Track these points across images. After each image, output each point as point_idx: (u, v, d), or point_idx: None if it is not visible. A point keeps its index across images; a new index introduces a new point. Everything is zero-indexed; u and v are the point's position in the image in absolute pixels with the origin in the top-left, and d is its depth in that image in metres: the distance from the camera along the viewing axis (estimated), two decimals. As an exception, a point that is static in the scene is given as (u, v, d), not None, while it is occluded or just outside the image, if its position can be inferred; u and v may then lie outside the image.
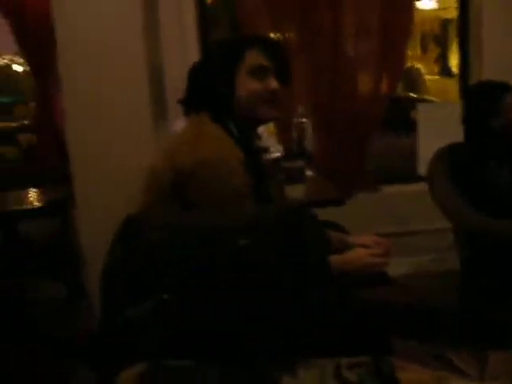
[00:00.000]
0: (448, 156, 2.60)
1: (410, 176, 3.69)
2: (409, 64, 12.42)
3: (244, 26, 3.46)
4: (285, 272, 1.29)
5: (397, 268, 3.53)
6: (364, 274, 1.76)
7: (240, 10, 3.47)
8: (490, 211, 2.34)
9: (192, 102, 1.74)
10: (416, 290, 3.28)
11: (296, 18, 3.45)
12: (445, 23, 11.10)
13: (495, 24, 3.56)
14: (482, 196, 2.40)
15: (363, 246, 1.83)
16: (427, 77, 11.62)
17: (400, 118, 6.25)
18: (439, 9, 10.58)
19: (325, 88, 3.45)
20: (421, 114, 3.60)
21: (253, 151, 1.75)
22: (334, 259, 1.62)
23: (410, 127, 4.27)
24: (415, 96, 8.94)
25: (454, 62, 9.69)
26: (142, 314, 1.25)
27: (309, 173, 2.58)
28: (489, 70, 3.44)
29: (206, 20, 3.67)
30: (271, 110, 1.70)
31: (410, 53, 12.66)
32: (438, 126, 3.36)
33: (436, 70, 12.22)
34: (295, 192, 2.20)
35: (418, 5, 11.13)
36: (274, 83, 1.68)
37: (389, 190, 3.72)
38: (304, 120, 2.66)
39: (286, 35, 3.47)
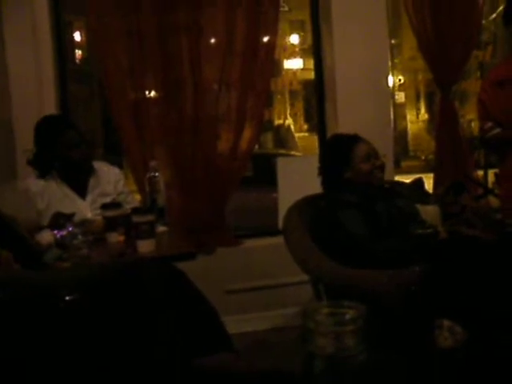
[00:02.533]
0: (303, 208, 2.67)
1: (274, 230, 3.75)
2: (279, 121, 12.91)
3: (107, 81, 3.45)
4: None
5: (261, 323, 3.58)
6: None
7: (102, 66, 3.46)
8: (348, 261, 2.38)
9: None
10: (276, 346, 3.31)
11: (158, 74, 3.47)
12: (309, 83, 11.69)
13: (348, 84, 3.79)
14: (338, 246, 2.45)
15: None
16: (297, 134, 12.10)
17: (269, 173, 6.41)
18: (304, 69, 11.12)
19: (182, 144, 3.47)
20: (280, 168, 3.69)
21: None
22: None
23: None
24: (284, 152, 9.26)
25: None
26: None
27: (162, 228, 2.54)
28: (343, 126, 3.62)
29: (65, 74, 3.62)
30: None
31: (280, 110, 13.19)
32: (298, 180, 3.45)
33: (305, 127, 12.77)
34: (145, 247, 2.15)
35: (286, 64, 11.64)
36: None
37: (251, 243, 3.76)
38: (157, 174, 2.63)
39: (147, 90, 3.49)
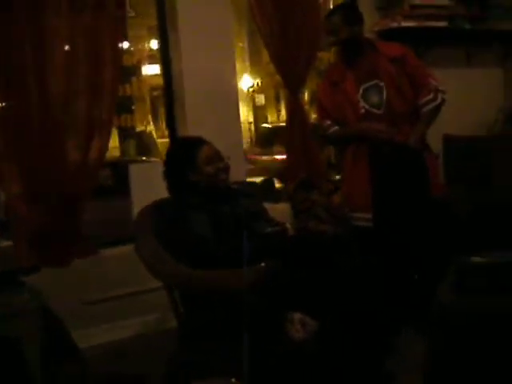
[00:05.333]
0: (152, 213, 2.69)
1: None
2: (141, 128, 12.79)
3: None
4: None
5: (122, 331, 3.56)
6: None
7: None
8: (197, 263, 2.42)
9: None
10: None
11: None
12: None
13: (196, 89, 3.87)
14: (185, 249, 2.49)
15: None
16: (160, 140, 12.03)
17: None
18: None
19: (29, 155, 3.36)
20: (132, 174, 3.68)
21: None
22: None
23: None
24: (145, 159, 9.21)
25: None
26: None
27: (6, 242, 2.47)
28: (193, 131, 3.68)
29: None
30: None
31: (141, 117, 13.04)
32: (151, 186, 3.45)
33: (167, 133, 12.71)
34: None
35: (145, 70, 11.57)
36: None
37: (109, 253, 3.73)
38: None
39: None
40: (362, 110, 3.34)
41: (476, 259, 2.83)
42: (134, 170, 3.75)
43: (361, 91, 3.34)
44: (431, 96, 3.33)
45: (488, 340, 2.43)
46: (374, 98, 3.33)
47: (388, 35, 4.43)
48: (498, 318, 2.43)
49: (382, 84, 3.31)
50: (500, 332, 2.40)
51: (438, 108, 3.36)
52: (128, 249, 3.64)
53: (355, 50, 3.36)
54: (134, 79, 7.73)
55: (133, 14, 8.11)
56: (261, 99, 14.41)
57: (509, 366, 2.34)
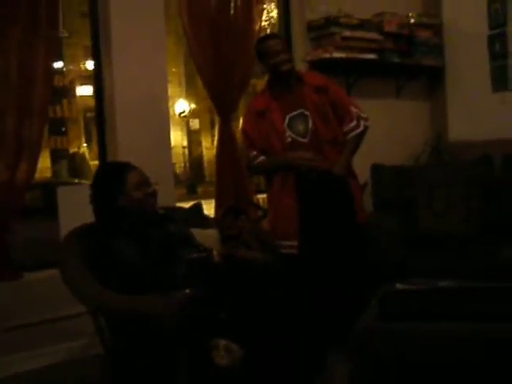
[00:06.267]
0: (78, 237, 2.66)
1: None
2: (74, 149, 12.58)
3: None
4: None
5: (48, 358, 3.46)
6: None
7: None
8: (123, 289, 2.40)
9: None
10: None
11: None
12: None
13: (128, 111, 3.87)
14: (112, 274, 2.47)
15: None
16: (92, 162, 11.85)
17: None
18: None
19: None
20: (60, 197, 3.62)
21: None
22: None
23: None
24: (77, 181, 9.06)
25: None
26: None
27: None
28: (123, 153, 3.68)
29: None
30: None
31: (74, 138, 12.86)
32: (80, 209, 3.40)
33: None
34: None
35: (79, 91, 11.41)
36: None
37: (34, 276, 3.63)
38: None
39: None
40: (289, 139, 3.41)
41: (400, 286, 2.93)
42: (63, 193, 3.69)
43: (287, 120, 3.41)
44: (354, 123, 3.45)
45: (411, 364, 2.51)
46: (300, 127, 3.40)
47: (319, 65, 4.54)
48: (421, 342, 2.51)
49: (307, 113, 3.40)
50: (424, 356, 2.48)
51: (361, 135, 3.49)
52: (54, 272, 3.62)
53: (286, 77, 3.42)
54: (64, 101, 7.62)
55: (66, 35, 8.03)
56: (195, 124, 14.43)
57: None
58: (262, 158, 3.49)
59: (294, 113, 3.41)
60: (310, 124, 3.38)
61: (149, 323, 2.31)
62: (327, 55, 4.54)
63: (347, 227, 3.36)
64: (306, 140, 3.39)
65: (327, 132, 3.42)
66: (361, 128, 3.46)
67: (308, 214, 3.36)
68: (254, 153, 3.50)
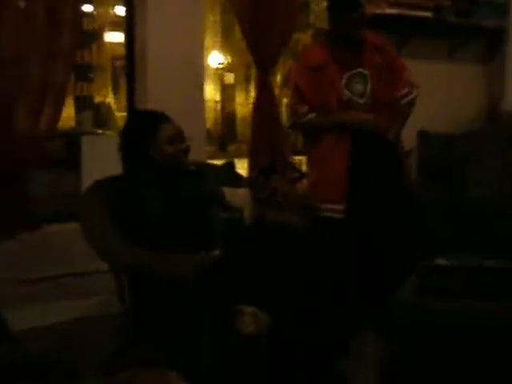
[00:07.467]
0: (104, 188, 2.63)
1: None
2: (100, 99, 12.60)
3: None
4: None
5: (61, 313, 3.51)
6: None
7: None
8: (146, 244, 2.39)
9: None
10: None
11: None
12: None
13: (160, 61, 3.83)
14: (137, 228, 2.45)
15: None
16: (119, 113, 11.85)
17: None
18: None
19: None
20: (85, 146, 3.62)
21: None
22: None
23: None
24: (101, 132, 9.05)
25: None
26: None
27: None
28: (153, 105, 3.63)
29: None
30: None
31: (100, 87, 12.88)
32: (103, 160, 3.40)
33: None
34: None
35: (107, 37, 11.38)
36: None
37: (53, 228, 3.66)
38: None
39: None
40: (345, 98, 3.36)
41: (441, 261, 2.89)
42: (87, 142, 3.69)
43: (345, 79, 3.36)
44: (406, 89, 3.44)
45: (449, 343, 2.48)
46: (358, 87, 3.37)
47: (369, 21, 4.44)
48: (459, 320, 2.48)
49: (366, 72, 3.36)
50: (461, 335, 2.45)
51: (413, 102, 3.46)
52: (75, 226, 3.65)
53: (354, 35, 3.38)
54: (94, 45, 7.57)
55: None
56: (230, 78, 14.29)
57: (469, 368, 2.40)
58: (312, 114, 3.43)
59: (353, 71, 3.37)
60: (369, 84, 3.35)
61: (174, 283, 2.31)
62: (379, 10, 4.46)
63: (396, 194, 3.41)
64: (362, 101, 3.37)
65: (384, 95, 3.40)
66: (414, 94, 3.46)
67: (360, 179, 3.36)
68: (305, 108, 3.43)
